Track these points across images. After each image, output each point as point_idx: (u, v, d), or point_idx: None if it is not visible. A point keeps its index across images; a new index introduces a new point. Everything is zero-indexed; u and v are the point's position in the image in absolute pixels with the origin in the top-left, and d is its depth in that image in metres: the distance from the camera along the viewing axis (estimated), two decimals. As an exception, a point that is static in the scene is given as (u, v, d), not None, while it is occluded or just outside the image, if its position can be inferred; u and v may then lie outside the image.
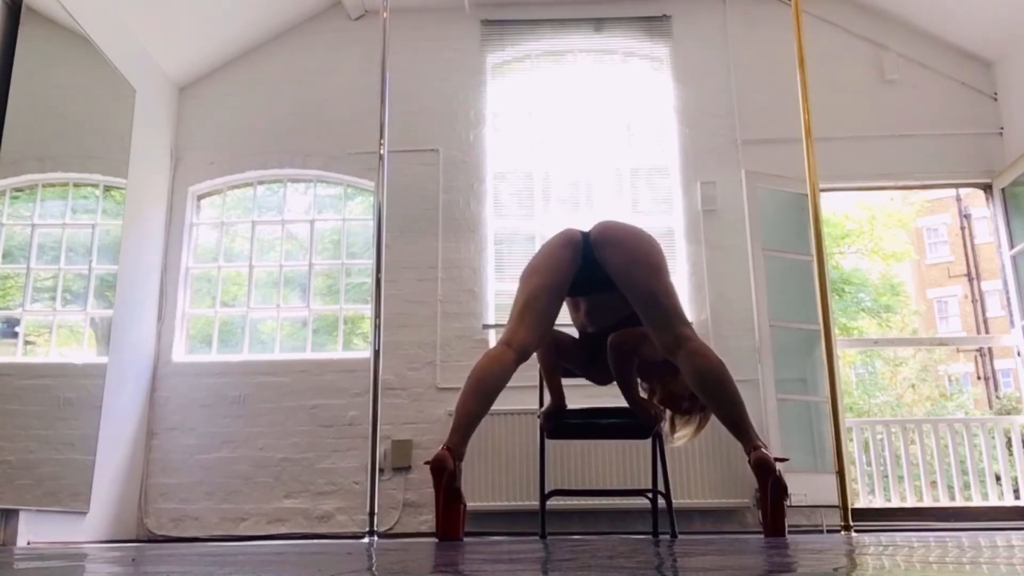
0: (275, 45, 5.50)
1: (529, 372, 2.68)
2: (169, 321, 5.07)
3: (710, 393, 2.33)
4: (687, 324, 2.38)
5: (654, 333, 2.38)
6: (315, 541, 3.99)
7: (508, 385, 2.34)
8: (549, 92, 5.51)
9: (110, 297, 4.42)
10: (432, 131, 5.27)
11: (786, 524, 2.35)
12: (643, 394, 2.79)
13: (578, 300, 2.60)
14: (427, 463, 2.18)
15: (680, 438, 2.67)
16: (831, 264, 13.29)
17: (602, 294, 2.52)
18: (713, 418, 2.56)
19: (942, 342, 19.03)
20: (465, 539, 2.37)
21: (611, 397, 2.88)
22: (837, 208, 14.28)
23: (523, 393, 3.44)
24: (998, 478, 4.84)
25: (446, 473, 2.15)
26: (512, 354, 2.32)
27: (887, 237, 15.32)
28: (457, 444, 2.21)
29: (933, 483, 4.88)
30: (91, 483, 4.14)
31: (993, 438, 5.32)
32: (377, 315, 3.16)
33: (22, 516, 3.67)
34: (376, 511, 2.98)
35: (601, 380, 2.77)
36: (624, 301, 2.45)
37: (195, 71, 5.38)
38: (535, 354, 2.55)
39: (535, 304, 2.37)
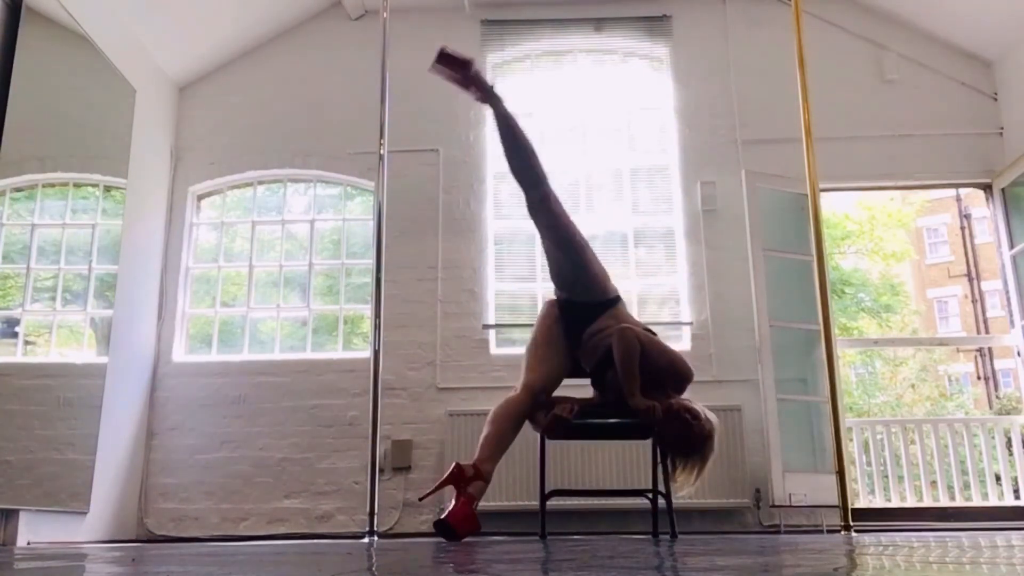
0: (275, 45, 5.50)
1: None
2: (169, 321, 5.07)
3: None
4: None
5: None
6: (315, 541, 3.98)
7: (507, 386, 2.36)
8: (549, 92, 5.50)
9: (110, 297, 4.42)
10: (432, 131, 5.27)
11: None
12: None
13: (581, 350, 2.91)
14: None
15: (683, 484, 2.77)
16: (831, 264, 13.29)
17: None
18: (718, 426, 2.69)
19: (942, 342, 19.06)
20: (465, 540, 2.38)
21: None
22: (837, 208, 14.25)
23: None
24: (998, 478, 4.84)
25: (459, 470, 2.56)
26: (523, 393, 2.71)
27: (887, 237, 15.29)
28: (482, 461, 2.59)
29: (933, 483, 4.88)
30: (91, 483, 4.13)
31: (993, 438, 5.33)
32: (377, 315, 3.16)
33: (22, 516, 3.67)
34: (376, 511, 2.99)
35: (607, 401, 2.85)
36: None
37: (195, 71, 5.38)
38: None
39: (535, 353, 2.81)
